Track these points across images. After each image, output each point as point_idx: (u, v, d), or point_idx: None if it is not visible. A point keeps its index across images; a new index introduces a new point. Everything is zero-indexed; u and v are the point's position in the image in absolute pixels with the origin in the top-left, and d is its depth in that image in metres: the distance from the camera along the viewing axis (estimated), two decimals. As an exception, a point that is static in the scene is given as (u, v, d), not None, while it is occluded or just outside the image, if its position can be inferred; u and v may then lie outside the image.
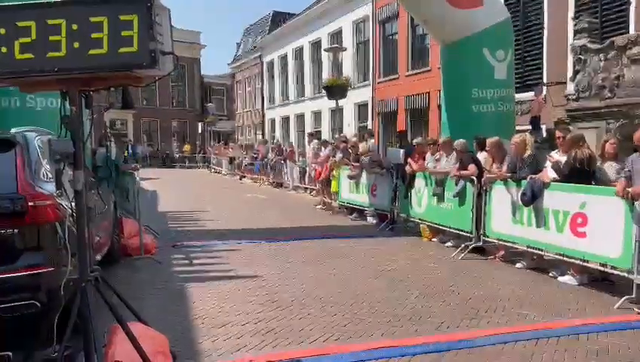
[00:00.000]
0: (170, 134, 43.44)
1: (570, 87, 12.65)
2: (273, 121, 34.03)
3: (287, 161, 19.53)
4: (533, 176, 6.71)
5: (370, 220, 11.20)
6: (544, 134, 12.62)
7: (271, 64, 33.94)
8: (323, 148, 16.44)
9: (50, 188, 3.78)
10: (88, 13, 2.41)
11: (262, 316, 4.89)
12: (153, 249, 7.94)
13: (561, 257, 6.25)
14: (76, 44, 2.44)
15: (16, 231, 3.80)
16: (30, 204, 3.80)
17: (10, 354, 3.50)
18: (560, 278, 6.33)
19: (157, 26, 2.48)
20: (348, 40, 23.93)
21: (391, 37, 21.88)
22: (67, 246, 3.65)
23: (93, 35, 2.43)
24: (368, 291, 5.76)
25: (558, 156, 6.81)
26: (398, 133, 14.09)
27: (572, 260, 6.12)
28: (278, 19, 35.31)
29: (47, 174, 4.18)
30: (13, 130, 4.36)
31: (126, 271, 6.72)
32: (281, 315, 4.91)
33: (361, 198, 11.55)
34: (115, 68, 2.47)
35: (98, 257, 5.74)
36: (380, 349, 4.01)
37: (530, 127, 12.92)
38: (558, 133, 6.95)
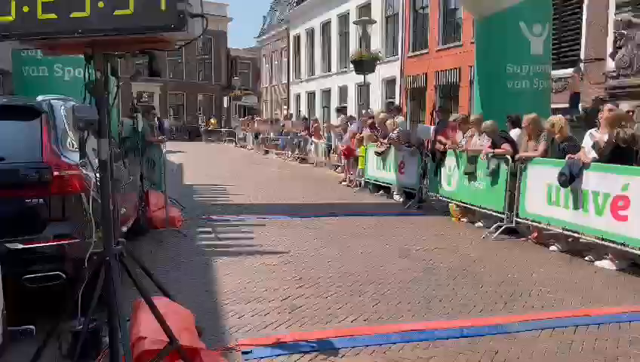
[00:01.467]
0: (196, 108, 43.54)
1: (610, 64, 12.13)
2: (299, 96, 33.73)
3: (313, 136, 19.36)
4: (572, 155, 6.42)
5: (397, 198, 11.00)
6: (580, 112, 12.20)
7: (297, 38, 33.50)
8: (349, 124, 16.21)
9: (76, 157, 3.69)
10: (114, -30, 2.26)
11: (288, 293, 4.79)
12: (179, 222, 7.90)
13: (599, 241, 5.99)
14: (101, 4, 2.29)
15: (41, 200, 3.74)
16: (55, 173, 3.73)
17: (33, 327, 3.47)
18: (597, 263, 6.07)
19: (185, -15, 2.31)
20: (377, 13, 23.37)
21: (421, 10, 21.28)
22: (92, 218, 3.57)
23: (119, -6, 2.27)
24: (396, 271, 5.61)
25: (598, 135, 6.49)
26: (438, 109, 13.67)
27: (611, 244, 5.85)
28: (306, -9, 34.65)
29: (73, 143, 4.09)
30: (39, 98, 4.28)
31: (151, 244, 6.69)
32: (308, 293, 4.80)
33: (389, 176, 11.33)
34: (142, 30, 2.31)
35: (124, 229, 5.69)
36: (411, 331, 3.87)
37: (567, 105, 12.51)
38: (604, 111, 6.56)
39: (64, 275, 3.73)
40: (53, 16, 2.31)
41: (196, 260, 5.94)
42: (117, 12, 2.30)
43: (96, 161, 2.65)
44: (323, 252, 6.37)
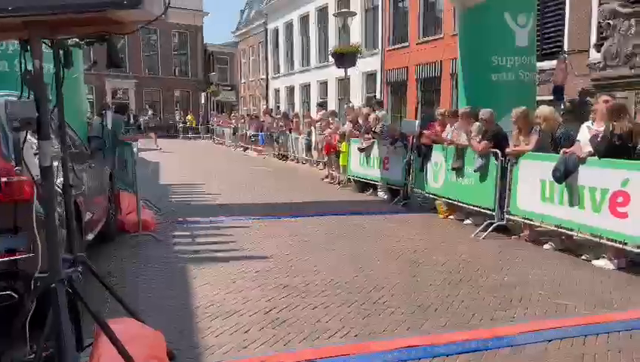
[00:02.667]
0: (172, 104, 42.63)
1: (594, 55, 11.96)
2: (278, 91, 33.24)
3: (293, 132, 18.90)
4: (567, 150, 6.13)
5: (382, 195, 10.66)
6: (566, 104, 12.01)
7: (275, 32, 32.97)
8: (331, 119, 15.81)
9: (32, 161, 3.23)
10: None
11: (272, 304, 4.39)
12: (153, 225, 7.43)
13: (597, 239, 5.71)
14: (36, -25, 1.86)
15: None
16: (4, 179, 3.26)
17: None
18: (594, 262, 5.80)
19: (142, -47, 1.88)
20: (356, 5, 22.98)
21: (401, 3, 20.97)
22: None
23: (59, -37, 1.84)
24: (387, 275, 5.25)
25: (593, 128, 6.21)
26: (424, 103, 13.32)
27: (610, 243, 5.58)
28: (284, -16, 34.12)
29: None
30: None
31: (122, 250, 6.21)
32: (294, 303, 4.41)
33: (373, 172, 10.97)
34: (87, 7, 1.88)
35: (90, 236, 5.23)
36: (408, 348, 3.50)
37: (551, 98, 12.31)
38: (599, 102, 6.28)
39: (16, 295, 3.28)
40: (-24, -10, 1.87)
41: (170, 268, 5.49)
42: (58, -15, 1.86)
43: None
44: (308, 256, 5.98)
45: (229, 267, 5.50)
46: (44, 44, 2.70)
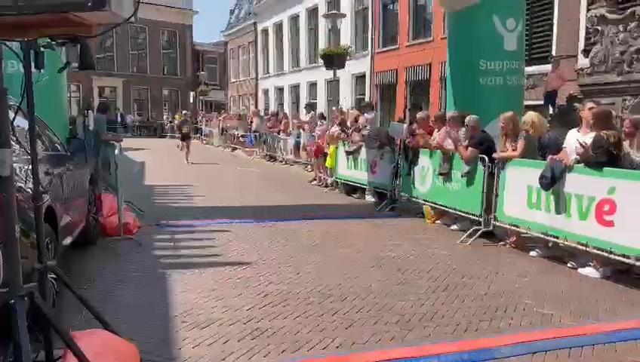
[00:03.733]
0: (160, 103, 42.32)
1: (582, 61, 11.98)
2: (267, 91, 33.09)
3: (281, 133, 18.79)
4: (554, 156, 6.08)
5: (369, 199, 10.59)
6: (552, 110, 12.02)
7: (265, 32, 32.83)
8: (319, 121, 15.73)
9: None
10: None
11: (252, 314, 4.28)
12: (135, 228, 7.29)
13: (583, 247, 5.67)
14: (-6, -27, 1.74)
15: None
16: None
17: None
18: (580, 270, 5.75)
19: (109, -50, 1.78)
20: (346, 7, 22.91)
21: (391, 4, 20.94)
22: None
23: (18, -40, 1.73)
24: (371, 283, 5.16)
25: (580, 135, 6.17)
26: (411, 106, 13.18)
27: (596, 251, 5.54)
28: (274, -15, 33.99)
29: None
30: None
31: (101, 254, 6.08)
32: (275, 313, 4.30)
33: (360, 175, 10.89)
34: (50, 8, 1.77)
35: (68, 241, 5.09)
36: (393, 361, 3.41)
37: (541, 103, 12.31)
38: (585, 109, 6.24)
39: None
40: None
41: (150, 274, 5.36)
42: (17, -16, 1.75)
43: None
44: (291, 262, 5.88)
45: (209, 273, 5.38)
46: (15, 45, 2.58)
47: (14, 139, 3.55)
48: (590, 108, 6.19)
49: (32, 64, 2.65)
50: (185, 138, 19.00)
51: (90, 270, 5.44)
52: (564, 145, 6.26)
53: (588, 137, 5.93)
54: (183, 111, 26.86)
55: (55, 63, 3.54)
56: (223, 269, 5.53)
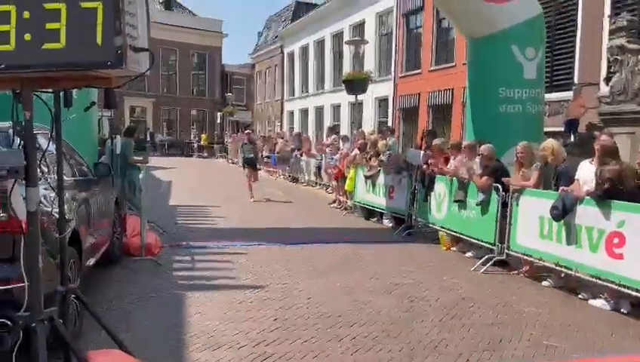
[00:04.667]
0: (189, 123, 43.27)
1: (603, 89, 11.96)
2: (292, 113, 33.57)
3: (304, 154, 19.08)
4: (566, 188, 6.15)
5: (386, 223, 10.71)
6: (573, 138, 11.98)
7: (291, 55, 33.44)
8: (342, 144, 15.96)
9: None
10: (43, -2, 1.97)
11: (262, 337, 4.45)
12: (157, 248, 7.57)
13: (593, 279, 5.70)
14: (27, 36, 2.00)
15: (-15, 240, 3.40)
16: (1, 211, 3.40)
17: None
18: (591, 301, 5.78)
19: (128, 16, 2.03)
20: (370, 32, 23.30)
21: (415, 30, 21.21)
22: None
23: (48, 26, 1.99)
24: (381, 309, 5.28)
25: (593, 167, 6.21)
26: (426, 133, 13.23)
27: (606, 283, 5.56)
28: (301, 9, 34.76)
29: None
30: (-7, 126, 3.97)
31: (123, 274, 6.34)
32: (284, 337, 4.47)
33: (378, 200, 11.03)
34: (74, 66, 2.03)
35: (91, 262, 5.36)
36: (389, 389, 3.53)
37: (562, 130, 12.30)
38: (598, 141, 6.27)
39: (10, 323, 3.39)
40: (-29, 49, 2.02)
41: (167, 295, 5.59)
42: (46, 46, 2.01)
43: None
44: (304, 286, 6.04)
45: (224, 295, 5.58)
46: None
47: (45, 165, 3.86)
48: (603, 142, 6.23)
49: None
50: (250, 165, 14.01)
51: (110, 289, 5.69)
52: (576, 177, 6.31)
53: (599, 170, 5.98)
54: (246, 131, 21.08)
55: (84, 99, 3.83)
56: (237, 292, 5.72)
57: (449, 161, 8.96)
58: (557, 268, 6.26)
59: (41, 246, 3.49)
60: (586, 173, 6.19)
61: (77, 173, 5.52)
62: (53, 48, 2.00)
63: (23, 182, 2.32)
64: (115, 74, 2.18)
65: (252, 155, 14.10)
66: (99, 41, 1.98)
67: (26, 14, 2.00)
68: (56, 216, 3.66)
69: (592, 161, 6.30)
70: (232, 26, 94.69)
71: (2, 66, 2.02)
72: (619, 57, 9.98)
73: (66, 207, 3.49)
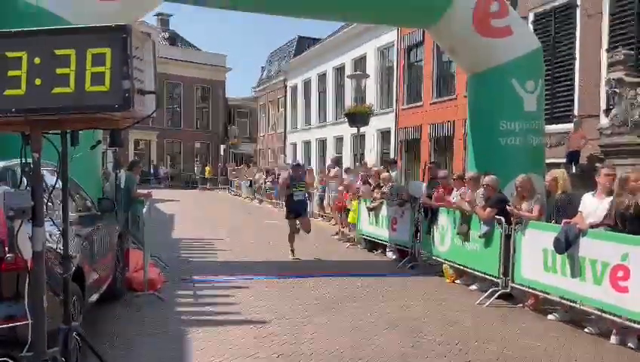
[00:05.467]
0: (192, 155, 43.58)
1: (603, 121, 12.06)
2: (295, 145, 33.81)
3: (307, 186, 19.11)
4: (568, 220, 6.15)
5: (390, 256, 10.67)
6: (575, 170, 12.02)
7: (294, 88, 33.88)
8: (345, 176, 16.03)
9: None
10: (53, 45, 2.05)
11: (264, 374, 4.41)
12: (159, 283, 7.54)
13: (599, 313, 5.65)
14: (38, 81, 2.07)
15: (-10, 278, 3.43)
16: (6, 249, 3.43)
17: None
18: (598, 336, 5.71)
19: (136, 61, 2.10)
20: (372, 66, 23.65)
21: (415, 63, 21.52)
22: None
23: (59, 71, 2.06)
24: (385, 345, 5.24)
25: (595, 200, 6.23)
26: (429, 165, 13.22)
27: (611, 317, 5.51)
28: (303, 44, 35.37)
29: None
30: (0, 163, 4.03)
31: (125, 310, 6.31)
32: (286, 374, 4.43)
33: (381, 232, 11.03)
34: (83, 109, 2.09)
35: (94, 298, 5.36)
36: None
37: (564, 161, 12.34)
38: (601, 174, 6.29)
39: (12, 362, 3.39)
40: (-16, 94, 2.09)
41: (169, 331, 5.56)
42: (56, 90, 2.07)
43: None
44: (307, 322, 6.00)
45: (227, 332, 5.54)
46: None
47: (50, 201, 3.90)
48: (607, 175, 6.25)
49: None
50: (298, 211, 10.49)
51: (113, 325, 5.67)
52: (580, 209, 6.32)
53: (605, 202, 6.01)
54: (295, 162, 16.51)
55: (89, 138, 3.89)
56: (239, 328, 5.68)
57: (452, 193, 8.98)
58: (562, 301, 6.21)
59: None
60: (589, 205, 6.21)
61: (81, 208, 5.57)
62: (63, 93, 2.07)
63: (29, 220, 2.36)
64: (122, 116, 2.24)
65: (303, 197, 10.65)
66: (107, 85, 2.05)
67: (37, 60, 2.07)
68: (61, 252, 3.69)
69: (595, 193, 6.32)
70: (235, 60, 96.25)
71: (13, 110, 2.08)
72: (617, 90, 10.10)
73: (70, 243, 3.53)
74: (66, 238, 2.61)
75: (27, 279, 2.97)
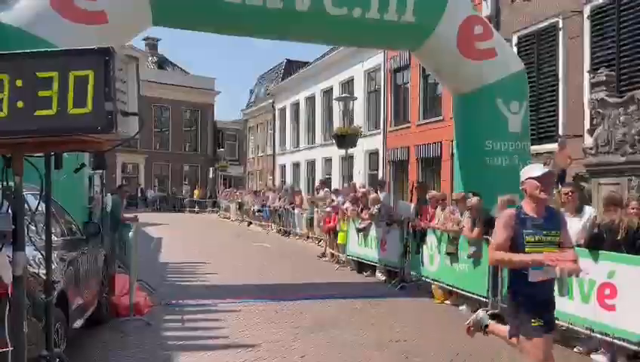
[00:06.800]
0: (181, 178, 43.40)
1: (588, 141, 12.21)
2: (284, 167, 33.84)
3: (296, 208, 19.12)
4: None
5: (379, 276, 10.63)
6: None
7: (283, 111, 34.04)
8: (334, 197, 16.02)
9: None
10: (35, 67, 2.05)
11: (252, 399, 4.33)
12: (146, 308, 7.43)
13: (588, 331, 5.65)
14: (20, 104, 2.06)
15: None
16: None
17: None
18: (593, 356, 5.70)
19: (118, 82, 2.10)
20: (359, 88, 23.86)
21: (402, 86, 21.74)
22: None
23: (41, 93, 2.05)
24: (374, 367, 5.19)
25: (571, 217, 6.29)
26: (417, 186, 13.20)
27: (601, 336, 5.51)
28: (291, 67, 35.65)
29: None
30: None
31: (111, 335, 6.20)
32: (274, 398, 4.36)
33: (370, 253, 11.00)
34: (65, 131, 2.08)
35: (78, 323, 5.26)
36: None
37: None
38: (563, 192, 6.42)
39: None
40: (-35, 116, 2.07)
41: (157, 357, 5.47)
42: (38, 112, 2.07)
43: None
44: (296, 345, 5.93)
45: (216, 356, 5.47)
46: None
47: (33, 225, 3.85)
48: (565, 193, 6.39)
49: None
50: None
51: (98, 352, 5.56)
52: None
53: (575, 220, 6.08)
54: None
55: (73, 160, 3.87)
56: (228, 352, 5.61)
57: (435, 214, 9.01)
58: (551, 320, 6.19)
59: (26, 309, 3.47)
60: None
61: (66, 232, 5.50)
62: (45, 115, 2.06)
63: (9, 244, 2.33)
64: (105, 138, 2.23)
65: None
66: (89, 106, 2.05)
67: (19, 82, 2.07)
68: (44, 277, 3.64)
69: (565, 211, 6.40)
70: (224, 83, 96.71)
71: (-8, 133, 2.07)
72: (600, 110, 10.23)
73: (53, 267, 3.48)
74: (48, 262, 2.57)
75: (7, 304, 2.93)
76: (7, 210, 2.22)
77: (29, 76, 2.05)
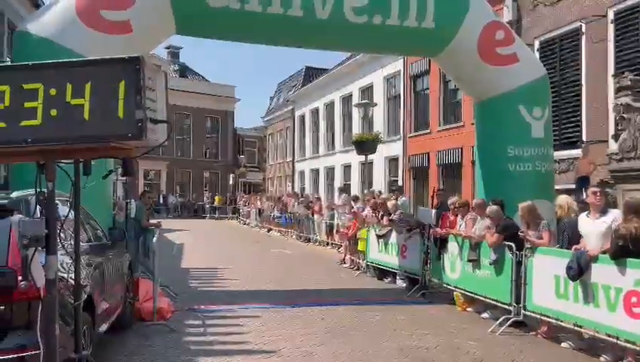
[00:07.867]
0: (202, 185, 43.81)
1: (612, 146, 12.02)
2: (303, 173, 33.91)
3: (315, 214, 19.15)
4: (578, 246, 6.11)
5: (400, 283, 10.57)
6: (585, 195, 11.95)
7: (302, 117, 34.16)
8: (353, 203, 16.01)
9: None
10: (69, 77, 2.12)
11: (274, 404, 4.35)
12: (169, 313, 7.52)
13: (614, 340, 5.55)
14: (54, 112, 2.14)
15: (2, 307, 3.45)
16: (20, 278, 3.46)
17: None
18: (614, 364, 5.61)
19: (148, 91, 2.16)
20: (379, 95, 23.84)
21: (422, 92, 21.67)
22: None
23: (74, 102, 2.12)
24: (395, 374, 5.16)
25: (589, 220, 6.22)
26: (437, 192, 13.11)
27: (627, 344, 5.41)
28: (311, 74, 35.81)
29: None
30: (14, 194, 4.09)
31: (134, 340, 6.28)
32: (296, 404, 4.37)
33: (390, 259, 10.95)
34: (97, 139, 2.15)
35: (104, 327, 5.35)
36: None
37: (573, 187, 12.27)
38: (591, 192, 6.35)
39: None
40: (1, 124, 2.15)
41: (179, 361, 5.52)
42: (70, 120, 2.13)
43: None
44: (316, 351, 5.93)
45: (236, 361, 5.49)
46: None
47: (62, 231, 3.94)
48: (593, 193, 6.31)
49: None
50: None
51: (122, 355, 5.64)
52: (579, 230, 6.31)
53: (599, 221, 6.00)
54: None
55: (102, 167, 3.95)
56: (250, 357, 5.65)
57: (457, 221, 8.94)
58: (575, 328, 6.12)
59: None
60: (585, 226, 6.23)
61: (92, 238, 5.61)
62: (78, 122, 2.12)
63: (42, 249, 2.39)
64: (135, 145, 2.29)
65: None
66: (120, 114, 2.11)
67: (53, 91, 2.13)
68: (72, 281, 3.72)
69: (589, 213, 6.31)
70: (244, 91, 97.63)
71: (29, 140, 2.14)
72: (625, 115, 10.08)
73: (81, 272, 3.56)
74: (77, 267, 2.64)
75: (40, 307, 3.01)
76: (40, 215, 2.29)
77: (63, 85, 2.12)
